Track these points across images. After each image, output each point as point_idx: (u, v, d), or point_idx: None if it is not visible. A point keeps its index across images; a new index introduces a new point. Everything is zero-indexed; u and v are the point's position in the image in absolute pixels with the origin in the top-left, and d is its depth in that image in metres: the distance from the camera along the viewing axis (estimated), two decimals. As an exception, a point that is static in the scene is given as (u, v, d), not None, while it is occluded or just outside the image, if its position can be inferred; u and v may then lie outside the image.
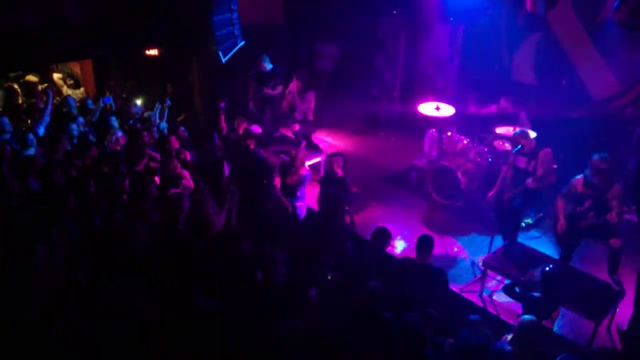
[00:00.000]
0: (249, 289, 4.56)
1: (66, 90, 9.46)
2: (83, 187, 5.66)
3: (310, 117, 9.27)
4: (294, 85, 9.25)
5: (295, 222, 6.89)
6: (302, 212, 7.09)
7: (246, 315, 4.24)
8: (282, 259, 4.93)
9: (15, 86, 8.72)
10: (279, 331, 4.14)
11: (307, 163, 7.36)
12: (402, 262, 5.70)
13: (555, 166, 7.05)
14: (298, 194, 7.00)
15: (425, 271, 5.17)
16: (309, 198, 7.40)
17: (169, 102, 8.35)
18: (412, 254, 6.71)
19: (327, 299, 4.49)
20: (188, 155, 7.32)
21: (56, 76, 9.67)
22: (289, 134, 9.47)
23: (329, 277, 5.11)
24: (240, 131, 7.92)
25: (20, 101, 8.46)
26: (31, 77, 9.27)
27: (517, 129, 7.11)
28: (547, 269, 4.85)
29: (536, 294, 4.82)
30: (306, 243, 5.90)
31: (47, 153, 6.56)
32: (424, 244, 5.25)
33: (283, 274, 4.79)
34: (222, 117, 8.08)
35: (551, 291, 4.78)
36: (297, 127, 9.20)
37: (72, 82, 9.95)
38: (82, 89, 9.77)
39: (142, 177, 6.20)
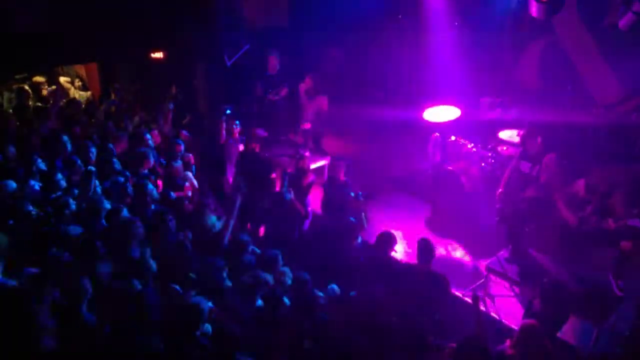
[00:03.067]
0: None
1: (73, 92, 9.51)
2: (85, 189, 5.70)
3: (321, 119, 9.22)
4: (303, 85, 9.24)
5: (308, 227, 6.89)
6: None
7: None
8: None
9: (26, 87, 8.78)
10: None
11: (312, 166, 7.36)
12: (404, 268, 5.69)
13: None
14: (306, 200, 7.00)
15: (427, 277, 5.17)
16: (313, 202, 7.43)
17: (171, 106, 8.37)
18: (415, 259, 6.78)
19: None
20: (192, 159, 7.35)
21: (63, 79, 9.71)
22: (294, 137, 9.49)
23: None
24: (235, 135, 7.93)
25: (30, 103, 8.53)
26: (39, 78, 9.33)
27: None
28: (545, 281, 4.75)
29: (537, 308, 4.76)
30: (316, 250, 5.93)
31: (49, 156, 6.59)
32: (423, 247, 5.26)
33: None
34: (224, 123, 8.10)
35: (550, 305, 4.66)
36: (308, 125, 9.15)
37: (80, 83, 9.99)
38: (89, 92, 9.82)
39: (144, 180, 6.23)
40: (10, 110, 8.24)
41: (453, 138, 8.53)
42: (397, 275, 5.35)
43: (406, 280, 5.20)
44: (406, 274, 5.35)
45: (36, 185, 5.87)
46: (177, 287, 4.52)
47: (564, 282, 4.95)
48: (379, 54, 11.67)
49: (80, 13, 7.20)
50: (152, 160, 6.70)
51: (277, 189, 7.17)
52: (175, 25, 8.36)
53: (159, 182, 6.61)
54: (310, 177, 7.00)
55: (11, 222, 5.07)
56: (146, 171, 6.59)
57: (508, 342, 4.34)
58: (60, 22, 7.20)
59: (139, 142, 7.10)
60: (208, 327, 4.12)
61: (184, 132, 7.93)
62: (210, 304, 4.24)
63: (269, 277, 4.68)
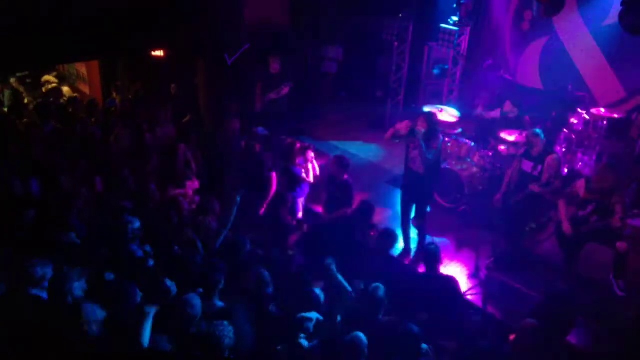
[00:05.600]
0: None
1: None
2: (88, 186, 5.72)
3: None
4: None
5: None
6: (299, 207, 7.14)
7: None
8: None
9: (21, 89, 8.81)
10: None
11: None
12: (413, 278, 5.66)
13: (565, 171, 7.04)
14: (297, 188, 7.06)
15: (436, 282, 5.16)
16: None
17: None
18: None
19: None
20: (192, 157, 7.35)
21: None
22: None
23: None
24: (237, 133, 7.95)
25: (26, 101, 8.54)
26: (49, 77, 9.37)
27: (536, 129, 6.94)
28: (550, 291, 4.72)
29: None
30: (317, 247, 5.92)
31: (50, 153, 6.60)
32: (430, 254, 5.24)
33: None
34: (232, 120, 8.09)
35: (554, 314, 4.61)
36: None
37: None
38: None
39: (145, 178, 6.24)
40: (6, 110, 8.27)
41: (454, 137, 8.52)
42: (399, 277, 5.33)
43: (414, 287, 5.18)
44: (413, 280, 5.32)
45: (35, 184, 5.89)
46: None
47: (568, 289, 4.95)
48: (379, 53, 11.68)
49: (81, 11, 7.18)
50: (154, 159, 6.71)
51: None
52: (175, 24, 8.35)
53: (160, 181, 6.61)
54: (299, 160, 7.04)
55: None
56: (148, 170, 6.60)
57: (509, 341, 4.35)
58: (61, 20, 7.19)
59: (141, 141, 7.11)
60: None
61: (187, 131, 7.93)
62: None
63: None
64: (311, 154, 7.12)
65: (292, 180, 7.06)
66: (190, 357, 3.85)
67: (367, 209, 6.04)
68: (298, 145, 7.06)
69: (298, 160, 7.05)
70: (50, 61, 8.95)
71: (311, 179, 7.19)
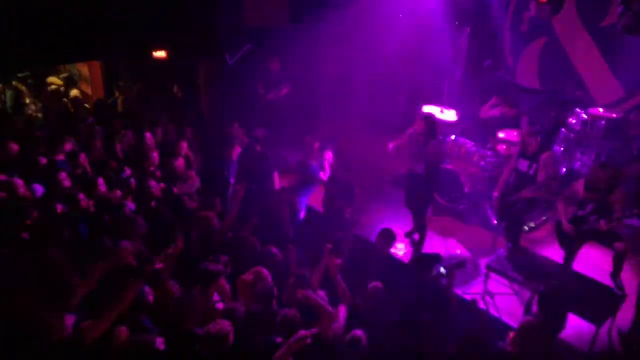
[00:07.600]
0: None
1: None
2: (90, 185, 5.75)
3: None
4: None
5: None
6: (302, 206, 7.17)
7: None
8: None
9: (23, 87, 8.82)
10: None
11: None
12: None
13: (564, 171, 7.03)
14: (306, 187, 7.16)
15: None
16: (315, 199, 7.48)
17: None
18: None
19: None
20: (192, 156, 7.39)
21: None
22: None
23: None
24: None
25: (27, 101, 8.56)
26: (54, 79, 9.39)
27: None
28: (542, 289, 4.73)
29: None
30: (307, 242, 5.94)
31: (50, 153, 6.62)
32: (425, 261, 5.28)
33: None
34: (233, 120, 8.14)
35: (549, 313, 4.63)
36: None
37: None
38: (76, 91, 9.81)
39: (147, 177, 6.27)
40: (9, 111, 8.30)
41: (453, 137, 8.55)
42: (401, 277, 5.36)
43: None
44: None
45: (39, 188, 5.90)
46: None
47: (563, 286, 4.97)
48: (378, 53, 11.68)
49: (82, 11, 7.22)
50: (156, 158, 6.74)
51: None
52: (176, 24, 8.39)
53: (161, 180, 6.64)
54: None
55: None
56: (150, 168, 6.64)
57: (508, 340, 4.37)
58: (62, 20, 7.22)
59: (142, 139, 7.14)
60: None
61: (189, 130, 7.96)
62: None
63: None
64: (330, 155, 7.15)
65: (305, 177, 7.06)
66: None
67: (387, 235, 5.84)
68: (317, 145, 7.07)
69: (316, 160, 7.08)
70: (50, 61, 8.97)
71: (326, 179, 7.24)
